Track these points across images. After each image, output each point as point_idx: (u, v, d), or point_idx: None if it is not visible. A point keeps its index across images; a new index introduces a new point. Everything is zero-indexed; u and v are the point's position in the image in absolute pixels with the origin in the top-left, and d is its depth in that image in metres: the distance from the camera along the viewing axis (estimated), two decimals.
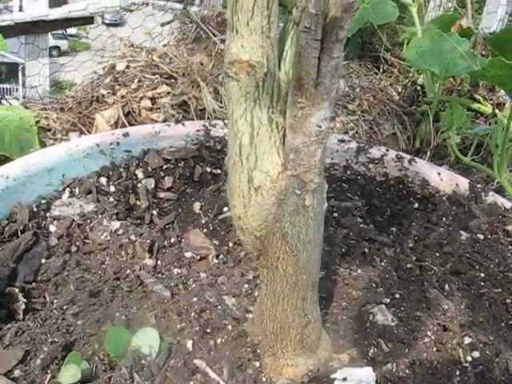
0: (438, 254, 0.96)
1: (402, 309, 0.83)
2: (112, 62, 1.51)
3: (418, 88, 1.84)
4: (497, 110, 1.65)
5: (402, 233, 1.01)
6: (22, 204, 0.93)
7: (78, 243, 0.90)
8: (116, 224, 0.93)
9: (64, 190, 0.98)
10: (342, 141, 1.16)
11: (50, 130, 1.44)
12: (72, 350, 0.71)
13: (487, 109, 1.74)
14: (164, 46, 1.61)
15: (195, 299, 0.79)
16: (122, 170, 1.03)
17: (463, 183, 1.12)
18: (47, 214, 0.95)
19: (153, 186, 1.01)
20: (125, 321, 0.76)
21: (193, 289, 0.82)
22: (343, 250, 0.91)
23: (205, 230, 0.96)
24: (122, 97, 1.36)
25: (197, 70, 1.33)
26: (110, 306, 0.79)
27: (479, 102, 1.76)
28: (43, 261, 0.86)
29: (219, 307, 0.77)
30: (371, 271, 0.89)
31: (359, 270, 0.88)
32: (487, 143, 1.61)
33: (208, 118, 1.31)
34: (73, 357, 0.70)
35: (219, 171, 1.07)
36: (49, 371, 0.68)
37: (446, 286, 0.88)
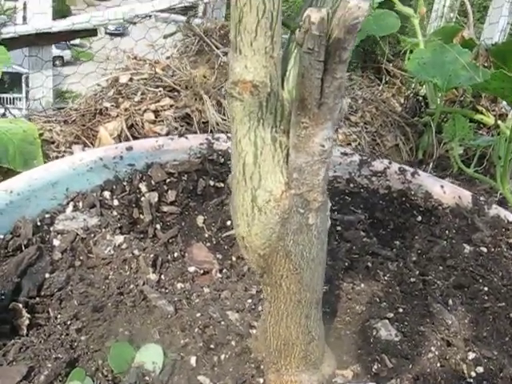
0: (441, 268, 0.96)
1: (406, 323, 0.83)
2: (115, 75, 1.52)
3: (420, 99, 1.84)
4: (499, 121, 1.65)
5: (405, 246, 1.01)
6: (25, 218, 0.93)
7: (81, 257, 0.90)
8: (119, 238, 0.93)
9: (68, 204, 0.99)
10: (345, 154, 1.16)
11: (53, 142, 1.45)
12: (76, 366, 0.71)
13: (490, 120, 1.74)
14: (167, 58, 1.62)
15: (199, 314, 0.79)
16: (125, 183, 1.03)
17: (466, 196, 1.12)
18: (51, 228, 0.95)
19: (156, 199, 1.01)
20: (128, 336, 0.76)
21: (196, 304, 0.82)
22: (346, 264, 0.91)
23: (208, 244, 0.96)
24: (126, 109, 1.37)
25: (200, 83, 1.34)
26: (113, 322, 0.79)
27: (482, 113, 1.76)
28: (47, 275, 0.86)
29: (223, 323, 0.77)
30: (374, 285, 0.89)
31: (362, 285, 0.88)
32: (490, 154, 1.61)
33: (211, 131, 1.31)
34: (76, 373, 0.70)
35: (222, 184, 1.07)
36: None
37: (450, 301, 0.88)
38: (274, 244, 0.55)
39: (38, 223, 0.94)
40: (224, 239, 0.97)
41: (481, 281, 0.94)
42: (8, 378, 0.68)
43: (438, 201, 1.12)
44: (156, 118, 1.34)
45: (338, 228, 1.01)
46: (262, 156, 0.51)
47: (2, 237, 0.89)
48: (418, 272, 0.94)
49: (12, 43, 1.89)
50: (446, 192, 1.12)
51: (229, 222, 0.98)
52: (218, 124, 1.31)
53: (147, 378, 0.70)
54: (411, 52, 1.96)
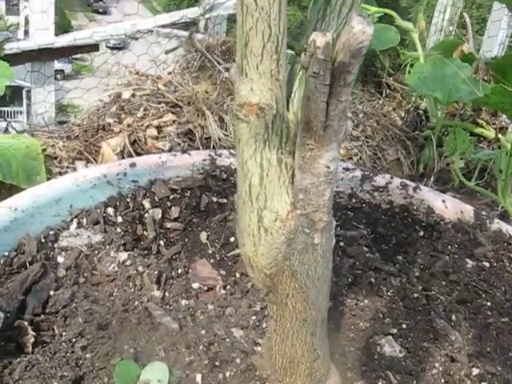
0: (444, 283, 0.97)
1: (410, 339, 0.83)
2: (118, 91, 1.53)
3: (421, 113, 1.85)
4: (500, 135, 1.66)
5: (407, 261, 1.01)
6: (30, 235, 0.93)
7: (86, 274, 0.91)
8: (123, 255, 0.94)
9: (72, 220, 0.99)
10: (347, 169, 1.16)
11: (56, 158, 1.46)
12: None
13: (490, 133, 1.74)
14: (169, 73, 1.63)
15: (203, 332, 0.79)
16: (129, 200, 1.04)
17: (468, 210, 1.12)
18: (55, 245, 0.95)
19: (160, 216, 1.02)
20: (133, 354, 0.76)
21: (201, 321, 0.83)
22: (350, 279, 0.92)
23: (212, 261, 0.96)
24: (128, 125, 1.38)
25: (202, 99, 1.35)
26: (118, 339, 0.79)
27: (482, 127, 1.77)
28: (52, 292, 0.86)
29: (227, 340, 0.77)
30: (378, 301, 0.89)
31: (366, 301, 0.88)
32: (491, 167, 1.62)
33: (213, 147, 1.32)
34: None
35: (225, 200, 1.07)
36: None
37: (453, 316, 0.88)
38: (280, 264, 0.55)
39: (43, 240, 0.95)
40: (227, 256, 0.97)
41: (484, 296, 0.94)
42: None
43: (439, 215, 1.12)
44: (159, 133, 1.35)
45: (341, 244, 1.01)
46: (267, 177, 0.52)
47: (6, 254, 0.90)
48: (420, 287, 0.94)
49: (15, 59, 1.91)
50: (448, 207, 1.13)
51: (232, 239, 0.99)
52: (220, 139, 1.32)
53: None
54: (411, 66, 1.98)
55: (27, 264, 0.90)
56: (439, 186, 1.63)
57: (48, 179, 1.34)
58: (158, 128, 1.36)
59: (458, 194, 1.57)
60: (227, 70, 1.44)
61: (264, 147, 0.51)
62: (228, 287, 0.91)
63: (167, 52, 1.83)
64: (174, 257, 0.96)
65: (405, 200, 1.14)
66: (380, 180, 1.17)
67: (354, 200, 1.15)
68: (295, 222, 0.53)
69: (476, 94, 1.56)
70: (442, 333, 0.85)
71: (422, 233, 1.09)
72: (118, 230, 0.99)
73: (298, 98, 0.52)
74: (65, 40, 1.93)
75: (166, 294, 0.88)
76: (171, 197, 1.06)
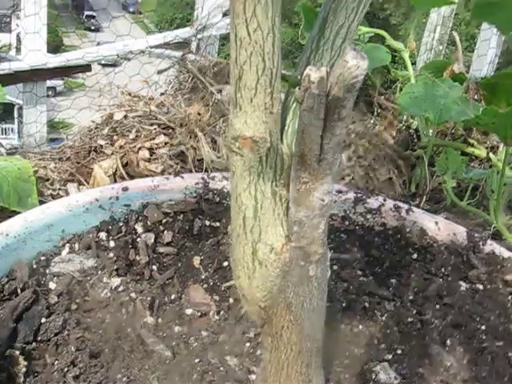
0: (438, 307, 0.96)
1: (405, 365, 0.83)
2: (110, 112, 1.53)
3: (412, 132, 1.86)
4: (491, 154, 1.67)
5: (401, 284, 1.01)
6: (21, 261, 0.93)
7: (78, 301, 0.90)
8: (116, 280, 0.93)
9: (64, 245, 0.99)
10: (340, 191, 1.16)
11: (48, 179, 1.45)
12: None
13: (481, 152, 1.75)
14: (161, 94, 1.63)
15: (197, 360, 0.78)
16: (121, 224, 1.04)
17: (461, 232, 1.12)
18: (47, 271, 0.95)
19: (152, 240, 1.01)
20: (126, 382, 0.76)
21: (194, 348, 0.82)
22: (344, 304, 0.91)
23: (205, 286, 0.95)
24: (121, 147, 1.37)
25: (194, 121, 1.35)
26: (111, 368, 0.78)
27: (473, 146, 1.78)
28: (43, 320, 0.85)
29: (221, 368, 0.77)
30: (372, 326, 0.89)
31: (360, 326, 0.88)
32: (483, 186, 1.62)
33: (206, 169, 1.32)
34: None
35: (218, 224, 1.07)
36: None
37: (448, 341, 0.88)
38: (274, 296, 0.55)
39: (34, 266, 0.94)
40: (221, 280, 0.96)
41: (478, 319, 0.94)
42: None
43: (432, 238, 1.12)
44: (151, 155, 1.35)
45: (335, 267, 1.01)
46: (262, 210, 0.52)
47: None
48: (415, 311, 0.94)
49: (7, 79, 1.91)
50: (441, 228, 1.13)
51: (226, 263, 0.98)
52: (212, 161, 1.31)
53: None
54: (403, 84, 1.99)
55: (18, 290, 0.89)
56: (431, 206, 1.63)
57: (40, 201, 1.33)
58: (151, 150, 1.36)
59: (451, 213, 1.57)
60: (219, 91, 1.44)
61: (258, 180, 0.51)
62: (221, 313, 0.90)
63: (159, 72, 1.83)
64: (167, 282, 0.95)
65: (398, 222, 1.14)
66: (373, 202, 1.17)
67: (347, 222, 1.15)
68: (290, 255, 0.53)
69: (467, 114, 1.57)
70: (437, 358, 0.84)
71: (415, 255, 1.09)
72: (111, 254, 0.98)
73: (291, 129, 0.52)
74: (57, 61, 1.93)
75: (159, 320, 0.88)
76: (164, 221, 1.06)
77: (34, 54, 1.89)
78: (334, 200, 1.16)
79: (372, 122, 1.94)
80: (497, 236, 1.44)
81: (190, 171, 1.32)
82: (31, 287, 0.90)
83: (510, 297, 1.01)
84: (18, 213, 1.25)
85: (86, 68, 2.02)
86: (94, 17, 25.30)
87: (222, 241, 1.03)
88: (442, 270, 1.05)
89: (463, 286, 1.02)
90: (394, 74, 2.24)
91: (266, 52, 0.47)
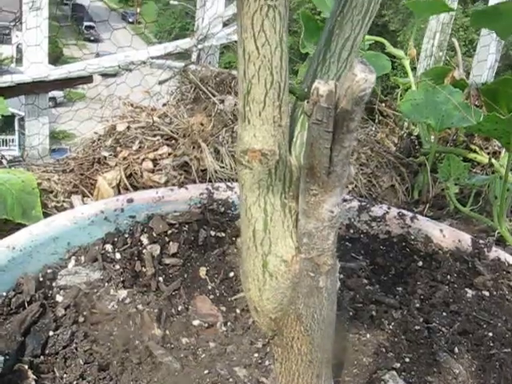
0: (445, 314, 0.96)
1: (413, 373, 0.83)
2: (113, 123, 1.53)
3: (414, 138, 1.86)
4: (493, 160, 1.67)
5: (407, 292, 1.01)
6: (28, 274, 0.93)
7: (85, 313, 0.90)
8: (123, 293, 0.93)
9: (70, 258, 0.99)
10: (344, 200, 1.17)
11: (51, 191, 1.45)
12: None
13: (484, 158, 1.76)
14: (164, 105, 1.63)
15: (206, 371, 0.78)
16: (126, 236, 1.04)
17: (466, 239, 1.12)
18: (53, 284, 0.95)
19: (158, 252, 1.01)
20: None
21: (202, 359, 0.82)
22: (351, 313, 0.91)
23: (211, 296, 0.96)
24: (124, 158, 1.38)
25: (197, 131, 1.35)
26: (120, 380, 0.78)
27: (475, 152, 1.78)
28: (51, 333, 0.86)
29: (231, 380, 0.77)
30: (380, 335, 0.89)
31: (368, 335, 0.88)
32: (485, 192, 1.62)
33: (209, 179, 1.32)
34: None
35: (223, 234, 1.07)
36: None
37: (456, 348, 0.88)
38: (285, 308, 0.55)
39: (41, 279, 0.94)
40: (227, 291, 0.97)
41: (485, 326, 0.94)
42: None
43: (438, 245, 1.12)
44: (154, 166, 1.35)
45: (341, 276, 1.01)
46: (271, 222, 0.52)
47: (4, 294, 0.89)
48: (422, 319, 0.94)
49: (9, 92, 1.91)
50: (446, 236, 1.13)
51: (232, 273, 0.99)
52: (216, 172, 1.32)
53: None
54: (405, 90, 2.00)
55: (26, 304, 0.89)
56: (435, 212, 1.63)
57: (44, 213, 1.34)
58: (154, 161, 1.36)
59: (454, 219, 1.58)
60: (222, 101, 1.45)
61: (267, 192, 0.51)
62: (229, 323, 0.90)
63: (161, 83, 1.84)
64: (173, 293, 0.95)
65: (402, 230, 1.15)
66: (377, 210, 1.17)
67: (351, 231, 1.15)
68: (300, 266, 0.53)
69: (468, 121, 1.57)
70: (445, 366, 0.84)
71: (420, 263, 1.09)
72: (117, 266, 0.98)
73: (300, 141, 0.53)
74: (58, 73, 1.94)
75: (167, 332, 0.88)
76: (169, 232, 1.06)
77: (36, 67, 1.90)
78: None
79: (373, 129, 1.94)
80: (501, 242, 1.44)
81: (194, 182, 1.32)
82: (38, 300, 0.90)
83: None
84: (23, 225, 1.26)
85: (87, 79, 2.02)
86: (93, 27, 25.39)
87: (228, 251, 1.03)
88: (448, 277, 1.05)
89: (469, 292, 1.02)
90: (394, 81, 2.25)
91: (274, 66, 0.47)
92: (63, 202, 1.42)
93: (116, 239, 1.02)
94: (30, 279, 0.92)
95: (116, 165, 1.36)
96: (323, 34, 0.55)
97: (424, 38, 2.48)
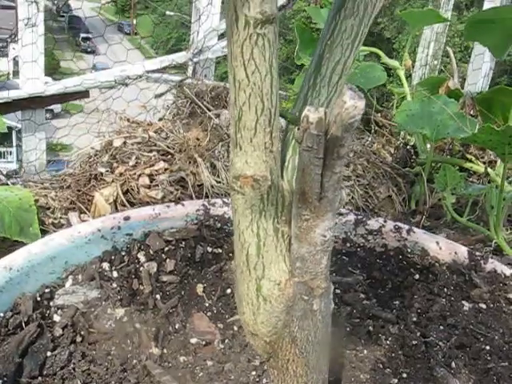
0: (442, 328, 0.96)
1: None
2: (109, 139, 1.54)
3: (410, 148, 1.87)
4: (489, 169, 1.68)
5: (404, 306, 1.01)
6: (25, 294, 0.93)
7: (82, 333, 0.90)
8: (120, 311, 0.93)
9: (67, 277, 0.99)
10: (340, 213, 1.17)
11: (49, 208, 1.45)
12: None
13: (480, 168, 1.76)
14: (159, 120, 1.64)
15: None
16: (123, 253, 1.04)
17: (462, 251, 1.13)
18: (51, 303, 0.95)
19: (155, 269, 1.02)
20: None
21: (200, 378, 0.82)
22: (348, 329, 0.92)
23: (209, 314, 0.96)
24: (121, 174, 1.38)
25: (193, 146, 1.36)
26: None
27: (471, 162, 1.79)
28: (48, 353, 0.86)
29: None
30: (377, 351, 0.89)
31: (365, 351, 0.88)
32: (482, 202, 1.63)
33: (206, 194, 1.32)
34: None
35: (220, 250, 1.08)
36: None
37: (453, 363, 0.88)
38: (279, 331, 0.55)
39: (38, 299, 0.94)
40: (225, 308, 0.97)
41: (482, 339, 0.94)
42: None
43: (434, 258, 1.12)
44: (151, 182, 1.35)
45: (338, 291, 1.01)
46: (265, 247, 0.52)
47: (2, 314, 0.89)
48: (419, 333, 0.94)
49: (5, 108, 1.92)
50: (442, 248, 1.13)
51: (229, 290, 0.99)
52: (212, 186, 1.32)
53: None
54: (399, 103, 2.01)
55: (23, 324, 0.89)
56: (432, 222, 1.63)
57: (41, 230, 1.34)
58: (151, 176, 1.36)
59: (451, 229, 1.58)
60: (217, 116, 1.45)
61: (260, 217, 0.52)
62: (226, 341, 0.91)
63: (157, 96, 1.85)
64: (171, 311, 0.95)
65: (399, 243, 1.15)
66: (373, 223, 1.17)
67: (348, 244, 1.15)
68: (293, 290, 0.53)
69: (464, 130, 1.58)
70: (443, 381, 0.84)
71: (417, 276, 1.09)
72: (114, 285, 0.98)
73: (291, 166, 0.53)
74: (55, 88, 1.94)
75: (165, 350, 0.88)
76: (166, 249, 1.06)
77: (33, 82, 1.91)
78: (335, 222, 1.16)
79: (370, 139, 1.95)
80: (498, 251, 1.44)
81: (191, 197, 1.32)
82: (36, 320, 0.90)
83: None
84: (20, 243, 1.26)
85: (84, 94, 2.03)
86: (89, 39, 25.45)
87: (225, 267, 1.04)
88: (445, 289, 1.06)
89: (466, 305, 1.02)
90: (390, 90, 2.26)
91: (264, 93, 0.48)
92: (60, 218, 1.42)
93: (113, 257, 1.03)
94: (27, 299, 0.92)
95: (113, 181, 1.36)
96: (313, 58, 0.56)
97: (419, 47, 2.49)
